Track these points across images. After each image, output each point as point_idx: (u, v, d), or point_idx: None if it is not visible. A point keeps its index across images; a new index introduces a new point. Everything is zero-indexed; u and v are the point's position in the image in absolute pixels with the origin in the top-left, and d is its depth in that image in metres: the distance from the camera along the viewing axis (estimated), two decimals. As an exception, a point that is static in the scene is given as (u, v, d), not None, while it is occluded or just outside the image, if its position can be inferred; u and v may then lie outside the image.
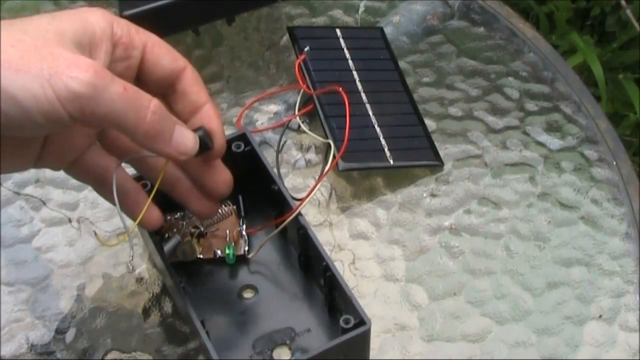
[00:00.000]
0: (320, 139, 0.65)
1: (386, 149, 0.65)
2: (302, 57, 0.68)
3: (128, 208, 0.52)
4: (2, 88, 0.42)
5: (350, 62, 0.70)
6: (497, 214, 0.64)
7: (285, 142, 0.68)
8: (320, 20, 0.76)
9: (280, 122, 0.69)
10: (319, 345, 0.53)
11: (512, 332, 0.58)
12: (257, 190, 0.60)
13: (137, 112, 0.45)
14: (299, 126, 0.68)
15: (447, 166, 0.66)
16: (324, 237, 0.62)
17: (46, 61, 0.43)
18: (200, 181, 0.53)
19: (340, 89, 0.63)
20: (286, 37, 0.74)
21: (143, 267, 0.61)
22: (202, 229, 0.59)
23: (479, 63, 0.73)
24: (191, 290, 0.58)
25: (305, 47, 0.69)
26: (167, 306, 0.59)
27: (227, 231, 0.60)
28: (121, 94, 0.44)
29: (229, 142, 0.57)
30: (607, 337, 0.58)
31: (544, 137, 0.68)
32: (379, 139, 0.66)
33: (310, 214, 0.63)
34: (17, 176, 0.66)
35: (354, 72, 0.70)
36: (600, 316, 0.59)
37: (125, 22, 0.49)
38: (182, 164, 0.53)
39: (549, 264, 0.61)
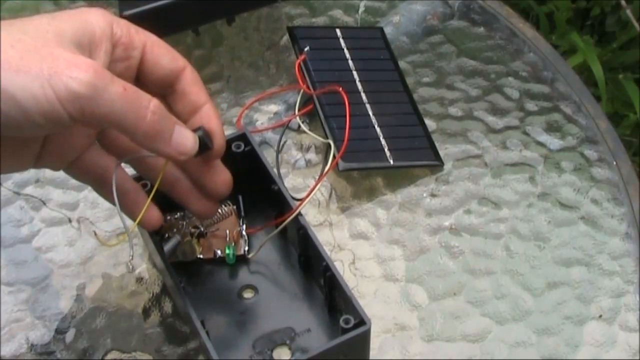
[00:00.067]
0: (320, 139, 0.65)
1: (386, 149, 0.65)
2: (302, 57, 0.68)
3: (128, 208, 0.52)
4: (2, 88, 0.42)
5: (350, 62, 0.70)
6: (497, 214, 0.64)
7: (285, 142, 0.68)
8: (320, 20, 0.76)
9: (280, 122, 0.69)
10: (319, 345, 0.53)
11: (512, 332, 0.58)
12: (257, 190, 0.60)
13: (137, 112, 0.45)
14: (299, 126, 0.68)
15: (447, 166, 0.66)
16: (324, 237, 0.62)
17: (46, 61, 0.43)
18: (200, 181, 0.53)
19: (340, 89, 0.63)
20: (286, 37, 0.74)
21: (143, 267, 0.61)
22: (202, 229, 0.59)
23: (479, 63, 0.73)
24: (191, 290, 0.58)
25: (305, 47, 0.69)
26: (167, 306, 0.59)
27: (227, 231, 0.60)
28: (121, 94, 0.44)
29: (229, 142, 0.57)
30: (607, 337, 0.58)
31: (544, 137, 0.68)
32: (379, 139, 0.66)
33: (310, 214, 0.63)
34: (17, 176, 0.66)
35: (354, 72, 0.70)
36: (600, 316, 0.59)
37: (125, 22, 0.49)
38: (182, 164, 0.53)
39: (549, 264, 0.61)
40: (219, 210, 0.59)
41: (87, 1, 0.78)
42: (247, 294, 0.58)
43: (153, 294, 0.60)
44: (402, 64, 0.72)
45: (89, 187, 0.54)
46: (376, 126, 0.66)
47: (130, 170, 0.54)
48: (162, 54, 0.50)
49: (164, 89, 0.51)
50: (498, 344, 0.57)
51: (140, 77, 0.50)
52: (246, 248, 0.60)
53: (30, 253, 0.62)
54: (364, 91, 0.68)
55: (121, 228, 0.62)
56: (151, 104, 0.46)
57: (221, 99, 0.71)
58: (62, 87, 0.42)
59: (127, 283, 0.60)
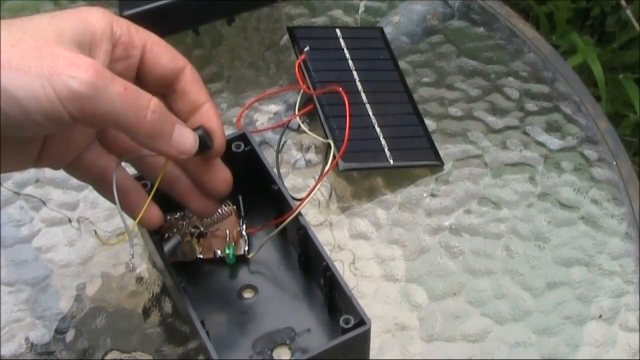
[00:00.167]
0: (320, 139, 0.65)
1: (386, 149, 0.65)
2: (302, 57, 0.68)
3: (128, 207, 0.52)
4: (2, 88, 0.42)
5: (350, 62, 0.70)
6: (497, 214, 0.64)
7: (285, 142, 0.68)
8: (320, 20, 0.76)
9: (280, 122, 0.69)
10: (319, 345, 0.53)
11: (512, 332, 0.58)
12: (257, 190, 0.60)
13: (137, 111, 0.45)
14: (299, 126, 0.68)
15: (447, 166, 0.66)
16: (324, 237, 0.62)
17: (46, 61, 0.43)
18: (200, 180, 0.53)
19: (340, 89, 0.63)
20: (286, 37, 0.74)
21: (143, 267, 0.61)
22: (202, 229, 0.59)
23: (479, 63, 0.73)
24: (191, 290, 0.58)
25: (305, 47, 0.69)
26: (167, 306, 0.59)
27: (227, 231, 0.59)
28: (121, 93, 0.44)
29: (229, 142, 0.57)
30: (607, 337, 0.58)
31: (544, 137, 0.68)
32: (379, 139, 0.66)
33: (310, 214, 0.63)
34: (17, 176, 0.66)
35: (354, 72, 0.70)
36: (600, 316, 0.59)
37: (125, 22, 0.49)
38: (182, 163, 0.53)
39: (549, 264, 0.61)
40: (219, 210, 0.59)
41: (87, 1, 0.78)
42: (247, 294, 0.58)
43: (153, 294, 0.60)
44: (402, 64, 0.72)
45: (89, 187, 0.54)
46: (376, 126, 0.66)
47: (130, 170, 0.54)
48: (162, 53, 0.50)
49: (164, 88, 0.51)
50: (498, 344, 0.57)
51: (140, 77, 0.50)
52: (246, 248, 0.60)
53: (30, 253, 0.62)
54: (364, 91, 0.68)
55: (121, 228, 0.62)
56: (151, 103, 0.46)
57: (221, 99, 0.71)
58: (63, 86, 0.42)
59: (127, 283, 0.60)
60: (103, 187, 0.52)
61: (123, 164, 0.52)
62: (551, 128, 0.69)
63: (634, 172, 0.66)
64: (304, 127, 0.67)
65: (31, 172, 0.66)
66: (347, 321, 0.52)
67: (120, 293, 0.60)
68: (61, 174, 0.53)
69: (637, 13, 1.27)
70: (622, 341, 0.57)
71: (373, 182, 0.66)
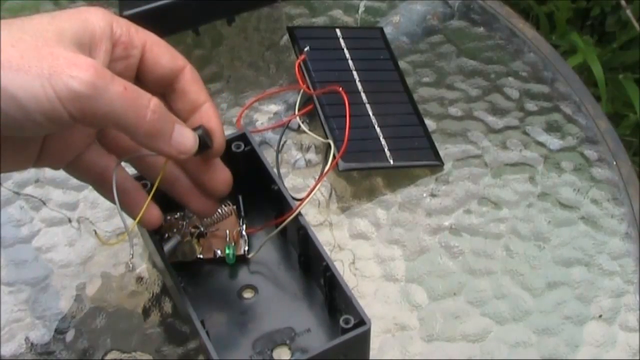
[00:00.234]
0: (320, 139, 0.65)
1: (386, 149, 0.65)
2: (302, 57, 0.68)
3: (128, 207, 0.53)
4: (2, 87, 0.42)
5: (350, 62, 0.70)
6: (497, 214, 0.64)
7: (285, 142, 0.68)
8: (320, 20, 0.76)
9: (280, 122, 0.69)
10: (319, 345, 0.53)
11: (512, 332, 0.58)
12: (257, 190, 0.60)
13: (137, 111, 0.45)
14: (299, 126, 0.68)
15: (447, 166, 0.66)
16: (324, 237, 0.62)
17: (46, 60, 0.43)
18: (200, 180, 0.53)
19: (340, 89, 0.63)
20: (286, 37, 0.74)
21: (143, 267, 0.61)
22: (202, 229, 0.59)
23: (479, 63, 0.73)
24: (191, 290, 0.58)
25: (305, 47, 0.69)
26: (167, 306, 0.59)
27: (227, 231, 0.59)
28: (121, 93, 0.44)
29: (229, 142, 0.57)
30: (607, 337, 0.58)
31: (544, 137, 0.68)
32: (379, 139, 0.66)
33: (310, 214, 0.63)
34: (17, 176, 0.66)
35: (354, 72, 0.70)
36: (600, 316, 0.58)
37: (124, 22, 0.49)
38: (182, 163, 0.53)
39: (549, 264, 0.61)
40: (219, 210, 0.59)
41: (87, 1, 0.78)
42: (247, 294, 0.58)
43: (153, 294, 0.60)
44: (402, 64, 0.72)
45: (89, 187, 0.54)
46: (376, 126, 0.66)
47: (130, 170, 0.54)
48: (161, 53, 0.50)
49: (163, 88, 0.51)
50: (498, 344, 0.57)
51: (140, 76, 0.50)
52: (246, 248, 0.60)
53: (30, 253, 0.62)
54: (364, 91, 0.68)
55: (121, 228, 0.62)
56: (151, 103, 0.46)
57: (221, 99, 0.71)
58: (63, 86, 0.42)
59: (127, 283, 0.60)
60: (103, 187, 0.52)
61: (123, 164, 0.52)
62: (551, 128, 0.69)
63: (634, 172, 0.66)
64: (304, 127, 0.67)
65: (31, 172, 0.66)
66: (347, 321, 0.52)
67: (120, 293, 0.60)
68: (61, 174, 0.53)
69: (637, 13, 1.27)
70: (622, 341, 0.57)
71: (373, 182, 0.66)
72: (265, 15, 0.76)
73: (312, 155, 0.67)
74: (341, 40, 0.72)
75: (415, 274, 0.61)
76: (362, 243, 0.62)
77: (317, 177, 0.66)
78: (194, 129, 0.49)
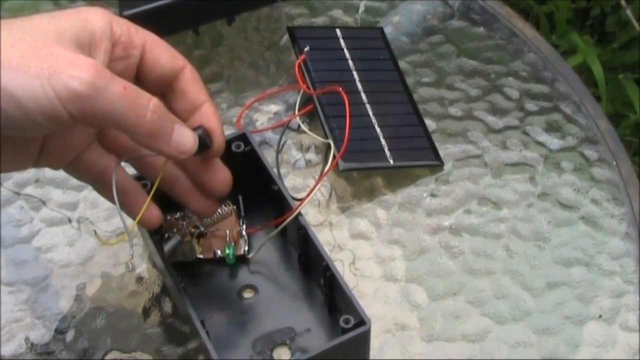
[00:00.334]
0: (320, 139, 0.65)
1: (386, 149, 0.65)
2: (302, 57, 0.68)
3: (128, 207, 0.52)
4: (2, 87, 0.42)
5: (350, 62, 0.70)
6: (497, 214, 0.64)
7: (285, 142, 0.68)
8: (320, 20, 0.76)
9: (280, 122, 0.69)
10: (319, 345, 0.53)
11: (512, 332, 0.58)
12: (257, 190, 0.60)
13: (137, 111, 0.45)
14: (299, 126, 0.68)
15: (447, 166, 0.66)
16: (324, 237, 0.62)
17: (46, 60, 0.43)
18: (200, 180, 0.53)
19: (340, 89, 0.63)
20: (286, 37, 0.74)
21: (143, 267, 0.61)
22: (202, 229, 0.59)
23: (479, 63, 0.73)
24: (191, 290, 0.58)
25: (305, 47, 0.69)
26: (167, 306, 0.59)
27: (227, 231, 0.59)
28: (121, 93, 0.44)
29: (229, 142, 0.57)
30: (607, 337, 0.58)
31: (544, 137, 0.68)
32: (379, 139, 0.66)
33: (310, 214, 0.63)
34: (17, 176, 0.66)
35: (354, 72, 0.70)
36: (600, 316, 0.58)
37: (124, 22, 0.49)
38: (182, 163, 0.53)
39: (549, 264, 0.61)
40: (219, 210, 0.59)
41: (87, 1, 0.78)
42: (247, 294, 0.58)
43: (153, 294, 0.60)
44: (402, 64, 0.72)
45: (89, 187, 0.54)
46: (376, 126, 0.66)
47: (130, 170, 0.54)
48: (161, 53, 0.50)
49: (163, 88, 0.51)
50: (498, 344, 0.57)
51: (140, 76, 0.50)
52: (246, 248, 0.60)
53: (30, 253, 0.62)
54: (364, 91, 0.68)
55: (121, 228, 0.62)
56: (151, 103, 0.46)
57: (221, 99, 0.71)
58: (63, 86, 0.42)
59: (127, 283, 0.60)
60: (103, 187, 0.52)
61: (123, 164, 0.52)
62: (551, 128, 0.69)
63: (634, 172, 0.66)
64: (304, 127, 0.67)
65: (31, 172, 0.66)
66: (347, 321, 0.52)
67: (120, 293, 0.60)
68: (61, 174, 0.53)
69: (637, 13, 1.27)
70: (622, 341, 0.57)
71: (373, 182, 0.66)
72: (265, 15, 0.76)
73: (312, 155, 0.67)
74: (341, 40, 0.72)
75: (415, 274, 0.61)
76: (362, 243, 0.62)
77: (317, 177, 0.66)
78: (194, 129, 0.49)
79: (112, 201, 0.51)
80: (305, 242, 0.56)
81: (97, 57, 0.46)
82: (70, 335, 0.58)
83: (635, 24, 1.26)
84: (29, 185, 0.65)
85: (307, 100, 0.67)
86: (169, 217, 0.59)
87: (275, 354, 0.55)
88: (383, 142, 0.65)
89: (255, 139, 0.62)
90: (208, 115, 0.51)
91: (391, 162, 0.64)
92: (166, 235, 0.58)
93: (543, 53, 0.74)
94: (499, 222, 0.63)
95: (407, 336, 0.58)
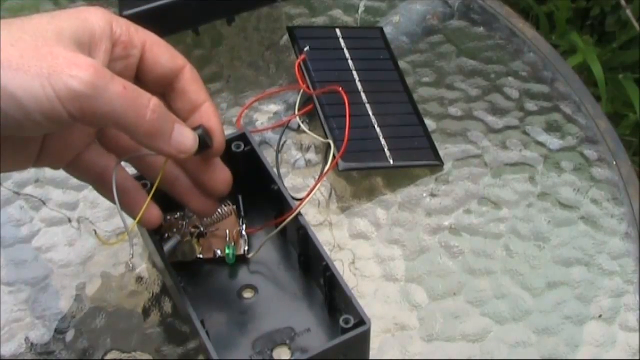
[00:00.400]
0: (320, 139, 0.65)
1: (386, 149, 0.65)
2: (302, 57, 0.68)
3: (128, 207, 0.52)
4: (2, 87, 0.42)
5: (350, 62, 0.70)
6: (497, 214, 0.64)
7: (285, 142, 0.68)
8: (320, 20, 0.76)
9: (280, 122, 0.69)
10: (319, 345, 0.53)
11: (512, 332, 0.58)
12: (257, 190, 0.60)
13: (137, 110, 0.45)
14: (299, 126, 0.68)
15: (447, 166, 0.66)
16: (324, 237, 0.62)
17: (46, 60, 0.43)
18: (200, 180, 0.53)
19: (340, 89, 0.63)
20: (286, 37, 0.74)
21: (143, 267, 0.61)
22: (202, 229, 0.59)
23: (479, 63, 0.73)
24: (191, 290, 0.58)
25: (305, 47, 0.69)
26: (167, 306, 0.59)
27: (227, 231, 0.59)
28: (121, 93, 0.44)
29: (229, 142, 0.57)
30: (607, 337, 0.58)
31: (544, 137, 0.68)
32: (379, 139, 0.66)
33: (310, 214, 0.63)
34: (17, 176, 0.66)
35: (354, 72, 0.70)
36: (600, 316, 0.58)
37: (124, 21, 0.49)
38: (182, 162, 0.53)
39: (549, 264, 0.61)
40: (219, 210, 0.59)
41: (87, 1, 0.78)
42: (247, 294, 0.58)
43: (153, 294, 0.60)
44: (402, 64, 0.72)
45: (89, 187, 0.54)
46: (376, 126, 0.66)
47: (130, 170, 0.54)
48: (161, 52, 0.50)
49: (163, 88, 0.51)
50: (498, 344, 0.57)
51: (140, 76, 0.50)
52: (246, 248, 0.60)
53: (30, 253, 0.62)
54: (364, 91, 0.68)
55: (121, 228, 0.62)
56: (151, 103, 0.46)
57: (221, 99, 0.71)
58: (62, 86, 0.42)
59: (127, 283, 0.60)
60: (103, 187, 0.52)
61: (123, 164, 0.52)
62: (551, 128, 0.69)
63: (634, 172, 0.66)
64: (304, 127, 0.67)
65: (31, 172, 0.66)
66: (347, 321, 0.52)
67: (120, 293, 0.60)
68: (61, 174, 0.53)
69: (637, 13, 1.27)
70: (622, 341, 0.57)
71: (373, 182, 0.66)
72: (265, 15, 0.76)
73: (312, 155, 0.67)
74: (341, 40, 0.72)
75: (415, 274, 0.61)
76: (362, 243, 0.62)
77: (317, 177, 0.66)
78: (194, 129, 0.49)
79: (113, 201, 0.51)
80: (305, 242, 0.56)
81: (97, 57, 0.46)
82: (70, 335, 0.58)
83: (635, 24, 1.26)
84: (29, 185, 0.65)
85: (307, 100, 0.67)
86: (169, 217, 0.59)
87: (275, 354, 0.55)
88: (383, 142, 0.65)
89: (255, 139, 0.62)
90: (208, 115, 0.51)
91: (391, 162, 0.64)
92: (166, 235, 0.58)
93: (543, 53, 0.74)
94: (499, 222, 0.63)
95: (407, 336, 0.58)
